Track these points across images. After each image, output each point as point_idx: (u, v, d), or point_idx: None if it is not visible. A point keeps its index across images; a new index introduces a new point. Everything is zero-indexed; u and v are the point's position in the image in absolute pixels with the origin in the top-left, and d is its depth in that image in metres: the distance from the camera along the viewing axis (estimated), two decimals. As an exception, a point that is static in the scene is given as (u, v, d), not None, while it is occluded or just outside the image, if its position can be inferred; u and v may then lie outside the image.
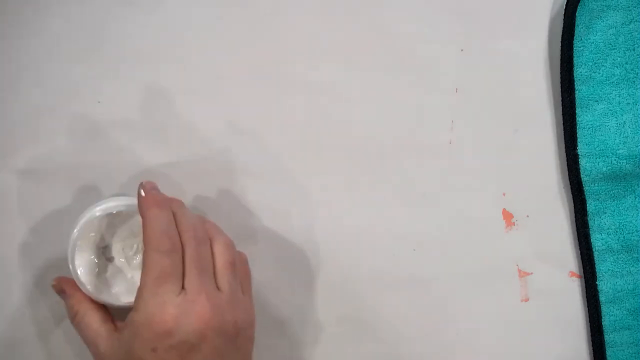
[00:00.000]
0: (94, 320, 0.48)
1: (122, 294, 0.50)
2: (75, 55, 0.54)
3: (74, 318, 0.49)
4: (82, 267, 0.50)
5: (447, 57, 0.55)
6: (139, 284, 0.46)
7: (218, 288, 0.46)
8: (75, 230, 0.49)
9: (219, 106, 0.55)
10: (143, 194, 0.48)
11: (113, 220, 0.51)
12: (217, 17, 0.54)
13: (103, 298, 0.49)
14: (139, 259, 0.51)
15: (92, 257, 0.51)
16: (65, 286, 0.50)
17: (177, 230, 0.47)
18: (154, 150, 0.54)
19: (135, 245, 0.52)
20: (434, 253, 0.56)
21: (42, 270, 0.54)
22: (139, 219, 0.49)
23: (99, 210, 0.50)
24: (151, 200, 0.48)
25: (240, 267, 0.49)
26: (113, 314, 0.50)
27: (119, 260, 0.51)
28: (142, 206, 0.48)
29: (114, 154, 0.54)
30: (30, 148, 0.54)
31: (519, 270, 0.56)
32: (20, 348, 0.54)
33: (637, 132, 0.54)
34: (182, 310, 0.44)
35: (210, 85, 0.54)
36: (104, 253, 0.51)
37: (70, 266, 0.49)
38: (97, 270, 0.51)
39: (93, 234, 0.51)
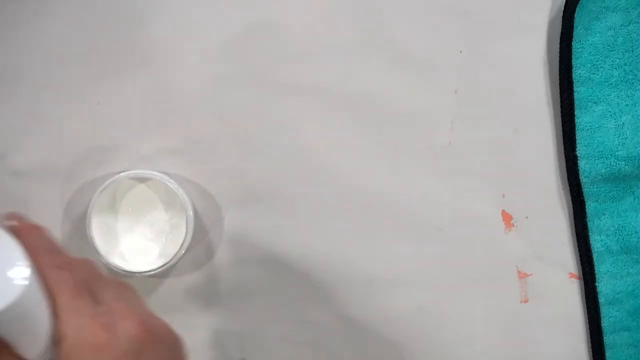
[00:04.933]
0: None
1: (138, 262, 0.53)
2: (76, 56, 0.54)
3: None
4: (97, 234, 0.52)
5: (447, 58, 0.55)
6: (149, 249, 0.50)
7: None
8: (94, 196, 0.51)
9: (218, 105, 0.55)
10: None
11: (123, 189, 0.53)
12: (215, 16, 0.55)
13: (116, 263, 0.52)
14: (143, 225, 0.54)
15: (105, 224, 0.53)
16: None
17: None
18: (153, 150, 0.54)
19: (142, 211, 0.54)
20: (433, 253, 0.56)
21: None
22: (146, 186, 0.51)
23: (121, 176, 0.52)
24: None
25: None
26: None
27: (127, 227, 0.54)
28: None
29: (113, 154, 0.54)
30: (30, 148, 0.54)
31: (518, 272, 0.56)
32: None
33: (636, 134, 0.54)
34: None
35: (207, 85, 0.55)
36: (115, 220, 0.53)
37: (88, 233, 0.51)
38: (110, 236, 0.53)
39: (105, 202, 0.53)
